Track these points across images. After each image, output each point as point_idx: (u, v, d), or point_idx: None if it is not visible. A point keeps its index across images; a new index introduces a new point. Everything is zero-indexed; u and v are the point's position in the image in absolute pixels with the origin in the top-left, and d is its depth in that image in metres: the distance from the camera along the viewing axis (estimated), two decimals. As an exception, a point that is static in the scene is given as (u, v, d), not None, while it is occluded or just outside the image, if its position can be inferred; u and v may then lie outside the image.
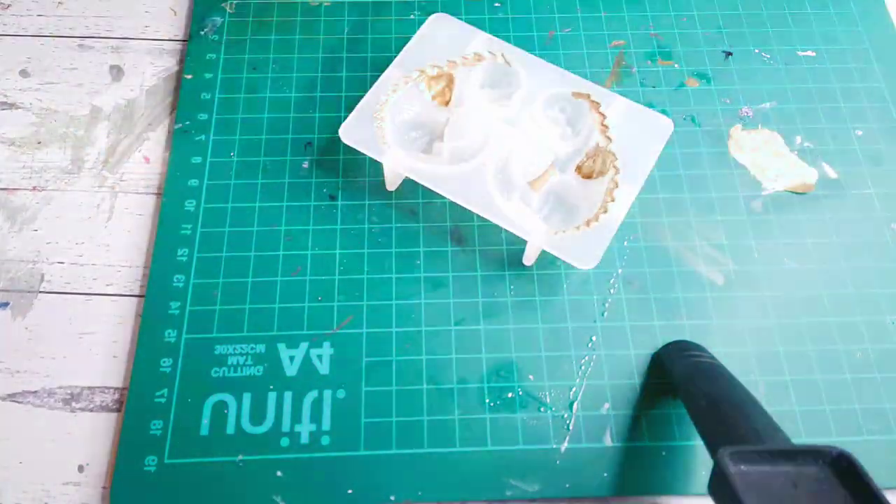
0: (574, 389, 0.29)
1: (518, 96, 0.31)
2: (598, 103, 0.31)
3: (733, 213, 0.32)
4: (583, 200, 0.30)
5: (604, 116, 0.31)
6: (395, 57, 0.31)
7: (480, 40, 0.32)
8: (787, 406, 0.28)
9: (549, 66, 0.32)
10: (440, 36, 0.32)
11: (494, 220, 0.28)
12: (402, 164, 0.30)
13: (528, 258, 0.30)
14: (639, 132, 0.30)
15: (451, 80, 0.32)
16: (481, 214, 0.28)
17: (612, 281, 0.31)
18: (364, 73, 0.36)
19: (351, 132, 0.30)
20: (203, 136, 0.34)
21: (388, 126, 0.31)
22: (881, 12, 0.38)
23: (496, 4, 0.37)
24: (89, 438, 0.28)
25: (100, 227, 0.32)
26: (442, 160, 0.30)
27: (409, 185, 0.32)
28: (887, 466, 0.27)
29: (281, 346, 0.29)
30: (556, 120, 0.32)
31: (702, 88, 0.36)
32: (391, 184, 0.32)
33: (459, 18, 0.33)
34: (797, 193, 0.33)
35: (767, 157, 0.34)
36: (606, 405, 0.28)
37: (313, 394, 0.28)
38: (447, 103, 0.32)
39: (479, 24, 0.35)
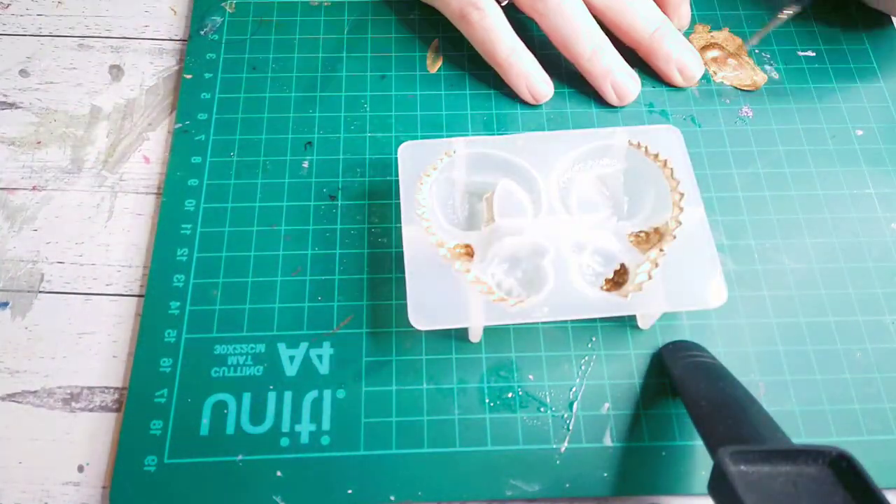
0: (574, 389, 0.29)
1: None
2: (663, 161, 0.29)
3: (734, 213, 0.32)
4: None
5: (677, 182, 0.28)
6: (395, 56, 0.31)
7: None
8: (787, 406, 0.28)
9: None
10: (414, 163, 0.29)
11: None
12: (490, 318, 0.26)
13: (646, 323, 0.29)
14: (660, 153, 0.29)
15: None
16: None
17: (612, 281, 0.31)
18: (364, 73, 0.36)
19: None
20: (203, 136, 0.34)
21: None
22: (881, 12, 0.38)
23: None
24: (89, 438, 0.28)
25: (100, 227, 0.32)
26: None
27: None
28: (887, 466, 0.27)
29: (281, 346, 0.29)
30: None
31: (702, 88, 0.36)
32: (476, 336, 0.29)
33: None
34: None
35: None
36: (606, 405, 0.28)
37: (313, 394, 0.28)
38: None
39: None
